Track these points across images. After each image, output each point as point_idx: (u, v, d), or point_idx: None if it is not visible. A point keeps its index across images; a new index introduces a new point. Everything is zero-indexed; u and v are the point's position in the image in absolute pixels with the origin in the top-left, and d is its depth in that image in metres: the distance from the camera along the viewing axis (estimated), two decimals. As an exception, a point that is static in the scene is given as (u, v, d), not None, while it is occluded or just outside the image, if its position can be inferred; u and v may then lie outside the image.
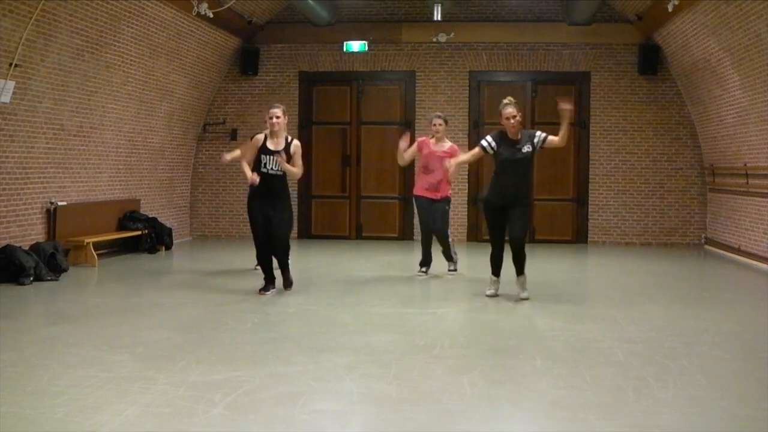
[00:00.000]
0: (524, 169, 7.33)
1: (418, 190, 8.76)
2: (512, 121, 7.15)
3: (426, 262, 8.90)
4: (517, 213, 7.26)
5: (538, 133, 7.35)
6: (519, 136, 7.22)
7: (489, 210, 7.43)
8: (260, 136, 7.43)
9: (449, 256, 8.94)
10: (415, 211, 9.17)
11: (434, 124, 8.67)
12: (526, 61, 13.02)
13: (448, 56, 13.16)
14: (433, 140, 8.68)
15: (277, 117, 7.32)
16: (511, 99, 7.31)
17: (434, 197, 8.61)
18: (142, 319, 6.42)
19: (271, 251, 7.53)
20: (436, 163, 8.49)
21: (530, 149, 7.23)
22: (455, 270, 8.99)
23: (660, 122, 12.83)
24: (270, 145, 7.32)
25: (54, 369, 4.73)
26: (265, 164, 7.29)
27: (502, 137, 7.27)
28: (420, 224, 8.97)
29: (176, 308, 6.88)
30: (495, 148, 7.25)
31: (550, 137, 7.26)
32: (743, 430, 3.87)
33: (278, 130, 7.35)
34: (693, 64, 11.42)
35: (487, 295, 7.49)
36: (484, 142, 7.36)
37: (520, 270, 7.39)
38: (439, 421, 3.92)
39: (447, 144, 8.71)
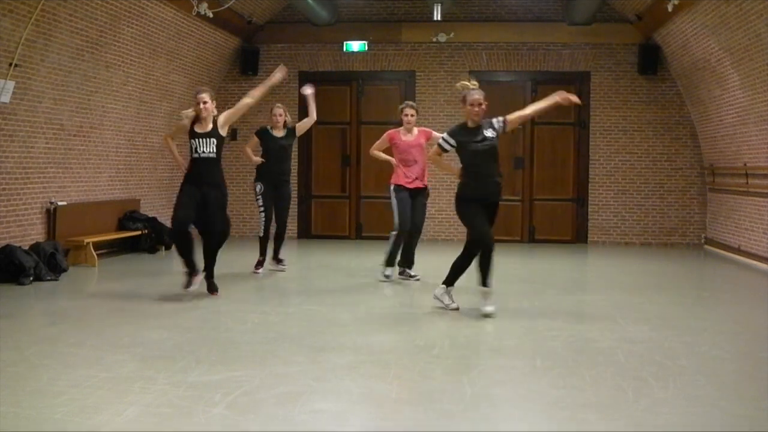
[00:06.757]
0: (495, 158, 6.59)
1: (399, 179, 8.29)
2: (477, 108, 6.47)
3: (410, 261, 8.49)
4: (493, 211, 6.63)
5: (497, 117, 6.63)
6: (480, 125, 6.54)
7: (471, 206, 6.53)
8: (186, 121, 7.15)
9: (411, 260, 8.55)
10: (394, 203, 8.30)
11: (407, 114, 8.36)
12: (526, 61, 13.02)
13: (448, 56, 13.16)
14: (402, 130, 8.42)
15: (205, 102, 7.03)
16: (476, 83, 6.69)
17: (417, 186, 8.31)
18: (142, 319, 6.41)
19: (205, 244, 7.23)
20: (415, 155, 8.30)
21: (494, 135, 6.54)
22: (416, 276, 8.51)
23: (660, 122, 12.83)
24: (197, 129, 7.06)
25: (54, 369, 4.73)
26: (196, 149, 7.04)
27: (460, 129, 6.61)
28: (401, 218, 8.23)
29: (176, 308, 6.87)
30: (454, 144, 6.56)
31: (511, 116, 6.58)
32: (743, 430, 3.87)
33: (206, 116, 7.08)
34: (693, 64, 11.43)
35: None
36: (441, 141, 6.65)
37: (488, 279, 6.59)
38: (439, 421, 3.92)
39: (415, 131, 8.42)
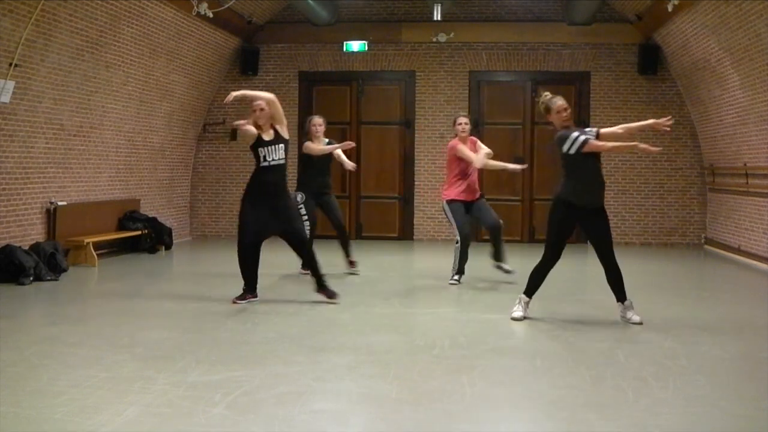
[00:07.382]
0: (597, 156, 6.56)
1: (454, 194, 8.35)
2: (565, 114, 6.39)
3: (500, 256, 8.55)
4: (605, 220, 6.60)
5: (589, 128, 6.62)
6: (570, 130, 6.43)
7: (567, 213, 6.55)
8: (250, 128, 7.04)
9: (501, 255, 8.56)
10: (449, 214, 8.40)
11: (460, 123, 8.37)
12: (526, 61, 13.02)
13: (448, 56, 13.16)
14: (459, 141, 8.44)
15: (262, 109, 6.99)
16: (548, 94, 6.60)
17: (473, 198, 8.41)
18: (142, 319, 6.42)
19: (298, 252, 7.40)
20: (471, 167, 8.37)
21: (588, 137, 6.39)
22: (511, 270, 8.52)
23: (660, 122, 12.82)
24: (265, 137, 7.03)
25: (54, 369, 4.73)
26: (265, 157, 7.00)
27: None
28: (459, 225, 8.30)
29: (176, 308, 6.87)
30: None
31: (604, 130, 6.67)
32: (743, 430, 3.87)
33: (264, 123, 7.04)
34: (693, 64, 11.43)
35: (515, 318, 6.48)
36: (584, 138, 6.38)
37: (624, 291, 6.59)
38: (439, 421, 3.92)
39: (468, 142, 8.50)
